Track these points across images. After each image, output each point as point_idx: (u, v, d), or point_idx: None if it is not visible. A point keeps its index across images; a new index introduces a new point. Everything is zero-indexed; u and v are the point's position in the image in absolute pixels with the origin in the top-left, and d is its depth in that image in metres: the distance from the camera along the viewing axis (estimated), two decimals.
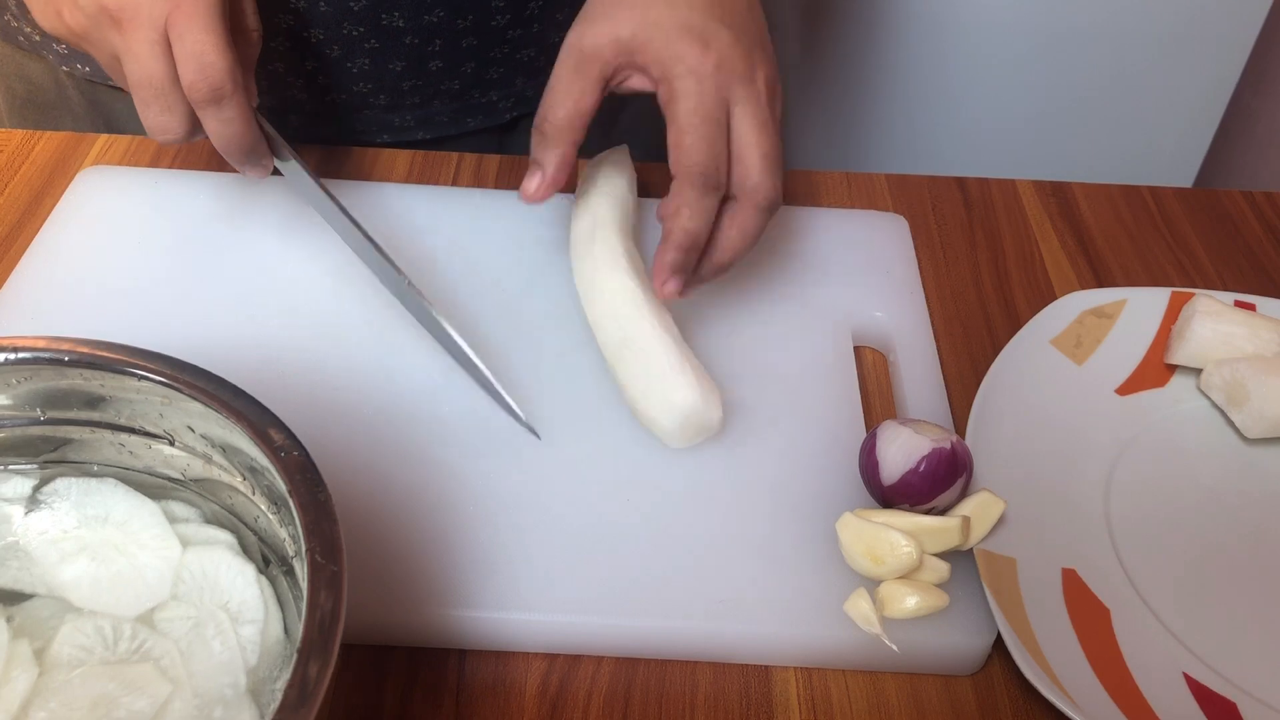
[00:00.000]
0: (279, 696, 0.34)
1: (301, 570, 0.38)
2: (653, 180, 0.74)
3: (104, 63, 0.58)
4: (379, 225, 0.68)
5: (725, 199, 0.56)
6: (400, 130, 0.78)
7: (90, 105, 0.79)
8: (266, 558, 0.47)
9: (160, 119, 0.56)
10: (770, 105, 0.57)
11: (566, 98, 0.56)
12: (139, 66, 0.55)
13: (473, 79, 0.76)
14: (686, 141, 0.54)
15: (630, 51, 0.56)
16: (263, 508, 0.45)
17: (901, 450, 0.53)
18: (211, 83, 0.55)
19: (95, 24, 0.56)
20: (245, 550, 0.47)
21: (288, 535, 0.43)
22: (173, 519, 0.48)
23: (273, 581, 0.46)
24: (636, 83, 0.57)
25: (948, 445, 0.53)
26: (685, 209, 0.55)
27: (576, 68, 0.56)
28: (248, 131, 0.57)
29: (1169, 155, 1.47)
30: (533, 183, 0.57)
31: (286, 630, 0.45)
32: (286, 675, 0.37)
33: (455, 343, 0.58)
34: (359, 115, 0.76)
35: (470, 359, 0.58)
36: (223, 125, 0.57)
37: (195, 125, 0.57)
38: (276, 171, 0.61)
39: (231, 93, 0.56)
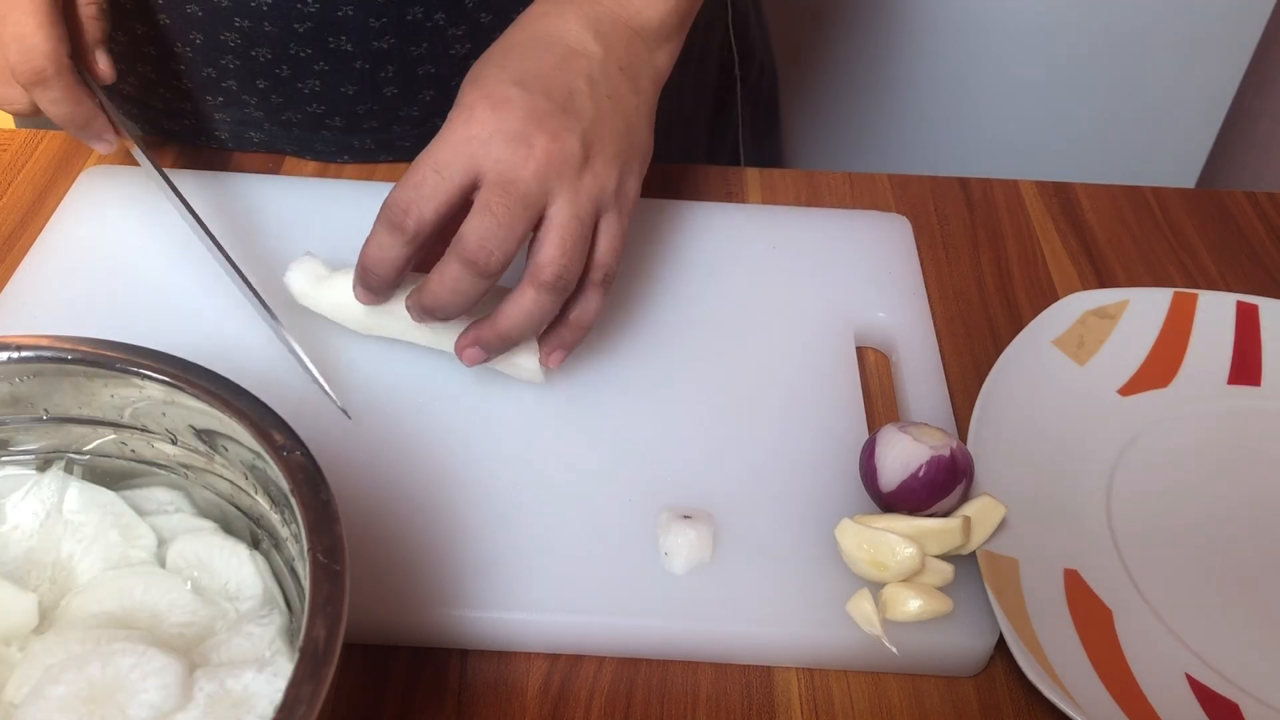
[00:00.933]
0: (280, 697, 0.34)
1: (303, 570, 0.38)
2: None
3: None
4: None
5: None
6: (361, 153, 0.76)
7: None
8: (256, 536, 0.47)
9: (2, 91, 0.58)
10: (532, 169, 0.52)
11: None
12: None
13: (434, 107, 0.74)
14: (404, 176, 0.53)
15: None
16: (265, 506, 0.45)
17: (900, 458, 0.53)
18: (33, 66, 0.55)
19: None
20: (234, 532, 0.47)
21: (290, 535, 0.43)
22: (160, 509, 0.48)
23: (266, 556, 0.47)
24: None
25: (947, 453, 0.53)
26: (370, 242, 0.54)
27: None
28: (78, 110, 0.58)
29: (1171, 156, 1.46)
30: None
31: (289, 605, 0.45)
32: (285, 657, 0.37)
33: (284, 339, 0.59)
34: (317, 135, 0.75)
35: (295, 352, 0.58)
36: (51, 105, 0.58)
37: None
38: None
39: (54, 74, 0.56)
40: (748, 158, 0.93)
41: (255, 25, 0.68)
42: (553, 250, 0.52)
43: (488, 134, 0.52)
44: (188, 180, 0.71)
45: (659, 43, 0.59)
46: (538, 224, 0.53)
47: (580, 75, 0.55)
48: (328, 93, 0.72)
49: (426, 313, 0.54)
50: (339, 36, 0.68)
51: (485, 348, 0.55)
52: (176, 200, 0.62)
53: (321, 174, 0.75)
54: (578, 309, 0.56)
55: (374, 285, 0.55)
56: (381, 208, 0.53)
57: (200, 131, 0.75)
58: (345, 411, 0.57)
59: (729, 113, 0.90)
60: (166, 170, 0.72)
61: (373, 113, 0.73)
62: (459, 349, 0.56)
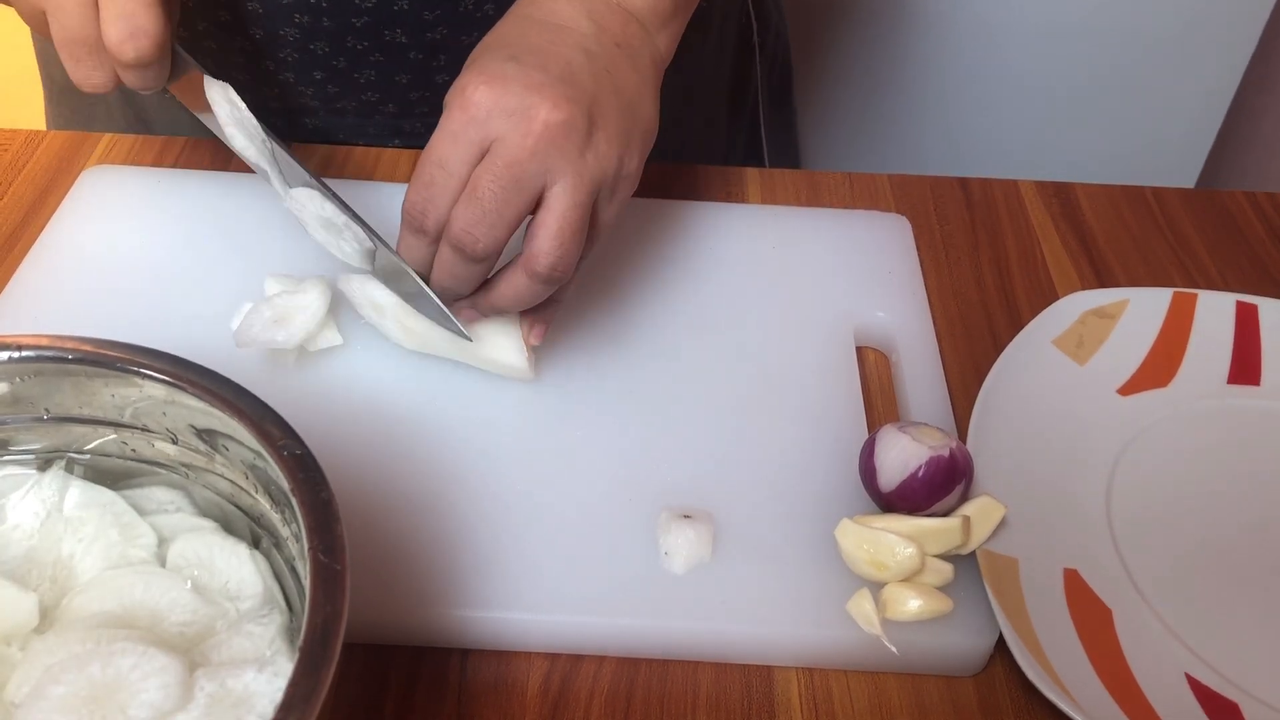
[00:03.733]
0: (280, 697, 0.34)
1: (304, 569, 0.38)
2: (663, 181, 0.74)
3: (26, 14, 0.57)
4: (381, 225, 0.68)
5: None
6: (411, 136, 0.78)
7: (122, 95, 0.81)
8: (256, 535, 0.47)
9: (92, 75, 0.56)
10: (532, 145, 0.50)
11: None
12: (70, 25, 0.54)
13: None
14: (413, 177, 0.53)
15: None
16: (265, 506, 0.45)
17: (899, 457, 0.53)
18: (139, 50, 0.54)
19: None
20: (234, 531, 0.47)
21: (290, 534, 0.43)
22: (161, 508, 0.48)
23: (266, 555, 0.47)
24: None
25: (946, 453, 0.53)
26: (401, 244, 0.55)
27: None
28: (161, 83, 0.58)
29: (1171, 156, 1.46)
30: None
31: (289, 604, 0.45)
32: (286, 657, 0.37)
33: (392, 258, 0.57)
34: (370, 120, 0.77)
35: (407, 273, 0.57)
36: (142, 82, 0.56)
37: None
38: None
39: (159, 59, 0.55)
40: (767, 124, 0.93)
41: (314, 20, 0.70)
42: (550, 242, 0.52)
43: (485, 112, 0.51)
44: (188, 180, 0.71)
45: (657, 26, 0.58)
46: (538, 203, 0.52)
47: (575, 48, 0.54)
48: (382, 82, 0.74)
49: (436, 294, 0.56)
50: (394, 29, 0.70)
51: (480, 312, 0.57)
52: (259, 136, 0.60)
53: (323, 171, 0.75)
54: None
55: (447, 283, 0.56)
56: (402, 211, 0.53)
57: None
58: (465, 334, 0.57)
59: (748, 79, 0.91)
60: (168, 168, 0.73)
61: (425, 99, 0.75)
62: (457, 309, 0.57)
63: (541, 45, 0.53)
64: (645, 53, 0.57)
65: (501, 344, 0.58)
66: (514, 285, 0.54)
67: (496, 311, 0.56)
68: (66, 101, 0.84)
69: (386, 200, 0.70)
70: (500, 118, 0.51)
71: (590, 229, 0.54)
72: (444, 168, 0.51)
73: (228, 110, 0.60)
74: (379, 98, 0.75)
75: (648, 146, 0.56)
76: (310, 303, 0.60)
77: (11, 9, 0.57)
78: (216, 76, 0.74)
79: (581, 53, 0.54)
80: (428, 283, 0.56)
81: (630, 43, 0.56)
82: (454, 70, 0.73)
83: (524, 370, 0.58)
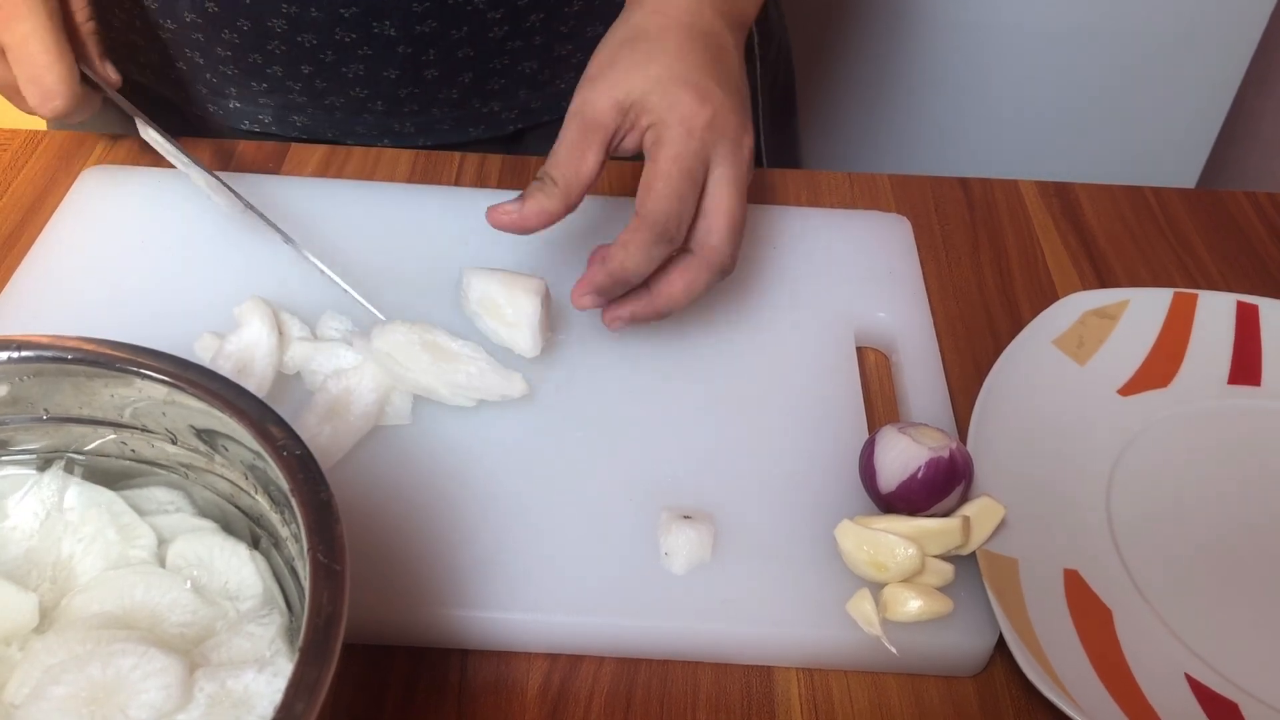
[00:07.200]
0: (280, 697, 0.34)
1: (303, 569, 0.38)
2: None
3: None
4: (381, 225, 0.68)
5: (681, 251, 0.57)
6: (401, 136, 0.78)
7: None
8: (256, 536, 0.47)
9: (24, 108, 0.63)
10: (748, 172, 0.57)
11: (569, 163, 0.55)
12: None
13: (472, 89, 0.76)
14: (658, 187, 0.54)
15: (628, 111, 0.56)
16: (265, 506, 0.45)
17: (899, 458, 0.53)
18: (52, 106, 0.61)
19: None
20: (234, 531, 0.47)
21: (290, 534, 0.43)
22: (160, 509, 0.48)
23: (266, 555, 0.47)
24: (630, 142, 0.57)
25: (945, 454, 0.53)
26: (633, 247, 0.55)
27: (581, 133, 0.56)
28: (86, 117, 0.65)
29: (1172, 156, 1.47)
30: (508, 210, 0.56)
31: (289, 605, 0.45)
32: (285, 657, 0.37)
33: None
34: (359, 119, 0.76)
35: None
36: (68, 123, 0.64)
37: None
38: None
39: (73, 107, 0.61)
40: (767, 140, 0.93)
41: (302, 11, 0.70)
42: (735, 236, 0.57)
43: (713, 135, 0.56)
44: (188, 180, 0.71)
45: (738, 31, 0.63)
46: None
47: (740, 72, 0.60)
48: (370, 77, 0.74)
49: (618, 282, 0.56)
50: (383, 21, 0.71)
51: (598, 288, 0.56)
52: (194, 168, 0.64)
53: (323, 171, 0.75)
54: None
55: (619, 292, 0.57)
56: (645, 220, 0.54)
57: (244, 117, 0.77)
58: (379, 313, 0.60)
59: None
60: (168, 168, 0.72)
61: (413, 96, 0.75)
62: (576, 296, 0.57)
63: (705, 63, 0.58)
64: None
65: (513, 320, 0.59)
66: (687, 274, 0.57)
67: (667, 311, 0.58)
68: None
69: (388, 200, 0.70)
70: (725, 143, 0.56)
71: None
72: (695, 181, 0.55)
73: (166, 147, 0.65)
74: (367, 94, 0.75)
75: None
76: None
77: None
78: (204, 71, 0.76)
79: (737, 72, 0.60)
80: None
81: (742, 58, 0.62)
82: (443, 66, 0.74)
83: (530, 347, 0.59)
